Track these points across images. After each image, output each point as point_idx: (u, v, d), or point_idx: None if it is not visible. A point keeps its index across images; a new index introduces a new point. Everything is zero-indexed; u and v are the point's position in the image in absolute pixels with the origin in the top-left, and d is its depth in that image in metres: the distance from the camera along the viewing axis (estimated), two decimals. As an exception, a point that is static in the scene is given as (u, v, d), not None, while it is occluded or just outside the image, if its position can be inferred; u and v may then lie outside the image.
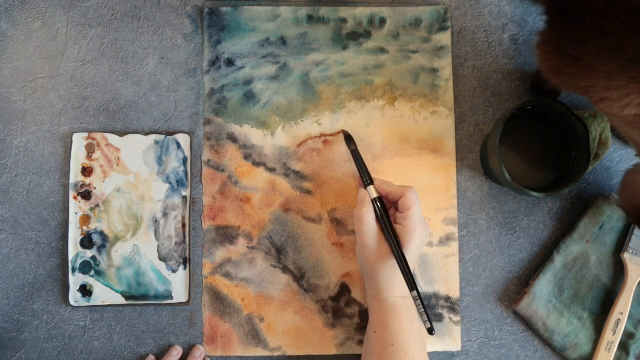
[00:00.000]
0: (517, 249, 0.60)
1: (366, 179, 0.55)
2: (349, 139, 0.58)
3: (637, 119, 0.41)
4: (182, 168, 0.60)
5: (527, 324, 0.59)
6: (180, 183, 0.60)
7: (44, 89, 0.61)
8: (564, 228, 0.60)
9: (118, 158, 0.60)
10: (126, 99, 0.61)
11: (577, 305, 0.59)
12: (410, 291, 0.51)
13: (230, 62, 0.61)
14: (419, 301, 0.50)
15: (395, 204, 0.54)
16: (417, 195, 0.53)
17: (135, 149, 0.60)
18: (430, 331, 0.50)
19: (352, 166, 0.60)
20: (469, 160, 0.61)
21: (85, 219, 0.59)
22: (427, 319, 0.50)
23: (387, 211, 0.54)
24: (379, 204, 0.53)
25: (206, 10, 0.61)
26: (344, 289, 0.60)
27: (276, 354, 0.59)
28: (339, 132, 0.60)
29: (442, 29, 0.61)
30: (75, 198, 0.59)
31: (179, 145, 0.60)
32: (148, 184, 0.60)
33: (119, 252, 0.59)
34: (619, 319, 0.57)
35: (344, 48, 0.61)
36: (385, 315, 0.52)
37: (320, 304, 0.59)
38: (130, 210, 0.59)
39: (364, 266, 0.54)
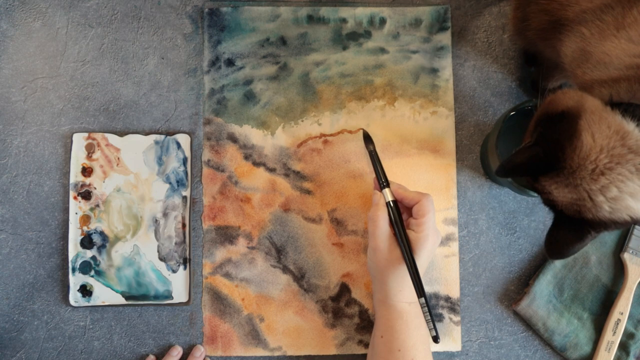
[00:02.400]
0: (517, 249, 0.60)
1: (382, 182, 0.55)
2: (367, 139, 0.58)
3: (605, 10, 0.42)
4: (182, 168, 0.60)
5: (527, 324, 0.59)
6: (180, 183, 0.60)
7: (44, 89, 0.61)
8: (564, 228, 0.60)
9: (118, 158, 0.60)
10: (126, 99, 0.61)
11: (577, 305, 0.59)
12: (419, 297, 0.51)
13: (230, 62, 0.61)
14: (426, 308, 0.51)
15: (409, 210, 0.54)
16: (433, 203, 0.53)
17: (135, 149, 0.60)
18: (435, 339, 0.50)
19: (356, 165, 0.60)
20: (469, 160, 0.61)
21: (85, 219, 0.59)
22: (432, 327, 0.50)
23: (401, 216, 0.53)
24: (393, 207, 0.53)
25: (206, 10, 0.61)
26: (344, 289, 0.60)
27: (276, 354, 0.59)
28: (357, 130, 0.60)
29: (442, 29, 0.61)
30: (75, 198, 0.59)
31: (179, 145, 0.60)
32: (148, 184, 0.60)
33: (119, 252, 0.59)
34: (619, 319, 0.57)
35: (344, 48, 0.61)
36: (392, 320, 0.52)
37: (320, 304, 0.59)
38: (130, 210, 0.59)
39: (373, 269, 0.53)
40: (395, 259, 0.52)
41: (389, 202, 0.53)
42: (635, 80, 0.40)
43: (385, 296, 0.53)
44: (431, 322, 0.50)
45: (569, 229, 0.41)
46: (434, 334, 0.50)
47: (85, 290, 0.58)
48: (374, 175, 0.56)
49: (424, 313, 0.51)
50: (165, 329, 0.59)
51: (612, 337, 0.57)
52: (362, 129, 0.59)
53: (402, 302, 0.52)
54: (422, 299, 0.50)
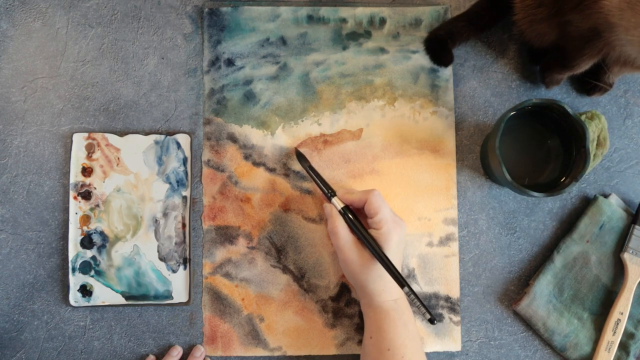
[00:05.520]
0: (517, 249, 0.60)
1: (328, 192, 0.55)
2: (300, 157, 0.58)
3: None
4: (182, 168, 0.60)
5: (527, 324, 0.59)
6: (180, 183, 0.60)
7: (44, 89, 0.61)
8: (564, 228, 0.60)
9: (118, 158, 0.60)
10: (126, 99, 0.61)
11: (577, 305, 0.59)
12: (402, 288, 0.50)
13: (230, 62, 0.61)
14: (412, 296, 0.50)
15: (362, 209, 0.54)
16: (381, 197, 0.53)
17: (135, 149, 0.60)
18: (432, 321, 0.49)
19: (356, 165, 0.60)
20: (469, 160, 0.61)
21: (85, 219, 0.59)
22: (425, 311, 0.50)
23: (358, 218, 0.54)
24: (348, 213, 0.54)
25: (206, 10, 0.61)
26: (344, 289, 0.60)
27: (276, 354, 0.59)
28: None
29: (442, 29, 0.61)
30: (75, 198, 0.59)
31: (179, 145, 0.60)
32: (148, 184, 0.60)
33: (119, 252, 0.59)
34: (619, 319, 0.57)
35: (344, 48, 0.61)
36: (379, 320, 0.52)
37: (320, 304, 0.59)
38: (130, 210, 0.59)
39: (351, 278, 0.54)
40: (367, 261, 0.52)
41: (341, 209, 0.54)
42: None
43: (369, 299, 0.53)
44: (422, 307, 0.50)
45: None
46: (429, 316, 0.49)
47: (85, 290, 0.58)
48: (319, 190, 0.56)
49: (412, 301, 0.50)
50: (165, 329, 0.59)
51: (612, 337, 0.57)
52: (295, 149, 0.59)
53: (388, 301, 0.52)
54: (406, 288, 0.50)
